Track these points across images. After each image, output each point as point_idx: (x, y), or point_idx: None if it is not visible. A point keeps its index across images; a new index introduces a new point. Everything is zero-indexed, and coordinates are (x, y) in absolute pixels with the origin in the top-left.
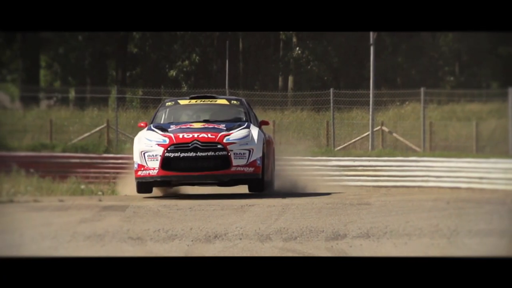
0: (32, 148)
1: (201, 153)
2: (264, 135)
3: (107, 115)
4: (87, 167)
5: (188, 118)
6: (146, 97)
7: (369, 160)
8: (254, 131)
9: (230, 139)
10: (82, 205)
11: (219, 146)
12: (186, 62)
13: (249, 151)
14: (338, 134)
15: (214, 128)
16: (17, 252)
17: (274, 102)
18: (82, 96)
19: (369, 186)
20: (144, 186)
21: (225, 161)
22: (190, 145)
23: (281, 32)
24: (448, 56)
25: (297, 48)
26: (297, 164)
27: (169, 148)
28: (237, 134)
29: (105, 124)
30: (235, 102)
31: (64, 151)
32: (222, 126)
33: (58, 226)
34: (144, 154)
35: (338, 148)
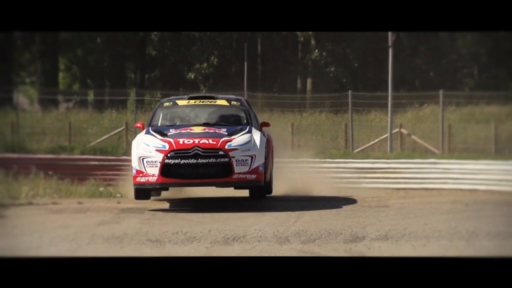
0: (51, 150)
1: (202, 160)
2: (264, 135)
3: (126, 118)
4: (105, 169)
5: (187, 120)
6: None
7: (387, 162)
8: (256, 135)
9: (232, 145)
10: (100, 208)
11: (220, 152)
12: (205, 64)
13: (252, 157)
14: (357, 136)
15: (215, 133)
16: (36, 254)
17: (293, 104)
18: (100, 99)
19: (388, 188)
20: (143, 192)
21: (227, 168)
22: (190, 151)
23: (299, 34)
24: (467, 58)
25: (316, 50)
26: (316, 166)
27: (169, 155)
28: (239, 139)
29: (123, 127)
30: (235, 102)
31: (82, 153)
32: (223, 130)
33: (76, 228)
34: (142, 159)
35: (357, 150)
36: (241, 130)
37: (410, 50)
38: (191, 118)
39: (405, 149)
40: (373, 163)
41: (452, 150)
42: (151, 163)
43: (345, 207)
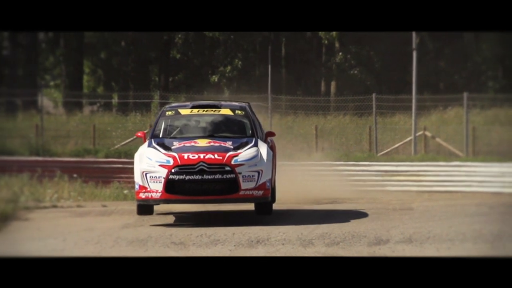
0: (75, 153)
1: (208, 176)
2: (268, 144)
3: (150, 121)
4: (130, 172)
5: (191, 130)
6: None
7: (411, 165)
8: (263, 149)
9: (239, 160)
10: (125, 210)
11: (227, 168)
12: (229, 67)
13: (258, 172)
14: (381, 139)
15: (220, 146)
16: (60, 256)
17: (317, 107)
18: (125, 102)
19: (412, 191)
20: (146, 208)
21: (233, 185)
22: (195, 167)
23: (323, 37)
24: (491, 61)
25: (340, 53)
26: (340, 169)
27: (173, 170)
28: (245, 154)
29: (148, 129)
30: (239, 111)
31: (107, 156)
32: (229, 143)
33: (101, 231)
34: (145, 174)
35: (381, 153)
36: (247, 143)
37: (434, 52)
38: (195, 129)
39: (429, 151)
40: (397, 166)
41: (477, 153)
42: (155, 178)
43: (369, 210)
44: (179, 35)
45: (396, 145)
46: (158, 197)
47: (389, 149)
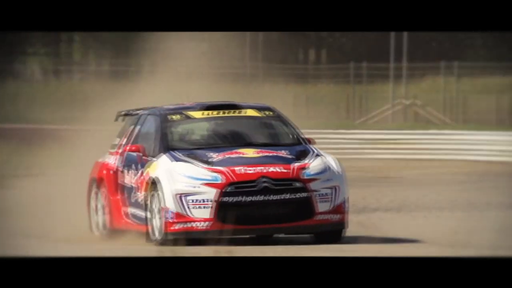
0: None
1: (274, 196)
2: None
3: None
4: None
5: (217, 139)
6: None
7: (389, 134)
8: (329, 158)
9: (311, 173)
10: None
11: (297, 184)
12: None
13: (335, 189)
14: (361, 107)
15: (277, 156)
16: (139, 254)
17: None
18: None
19: (388, 159)
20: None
21: (307, 207)
22: (256, 184)
23: None
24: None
25: None
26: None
27: (227, 190)
28: (314, 165)
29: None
30: (268, 112)
31: None
32: (285, 152)
33: None
34: (182, 198)
35: (359, 121)
36: (306, 152)
37: None
38: (221, 137)
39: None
40: (375, 134)
41: (466, 121)
42: (199, 202)
43: (357, 179)
44: None
45: (376, 112)
46: (207, 227)
47: (368, 116)
